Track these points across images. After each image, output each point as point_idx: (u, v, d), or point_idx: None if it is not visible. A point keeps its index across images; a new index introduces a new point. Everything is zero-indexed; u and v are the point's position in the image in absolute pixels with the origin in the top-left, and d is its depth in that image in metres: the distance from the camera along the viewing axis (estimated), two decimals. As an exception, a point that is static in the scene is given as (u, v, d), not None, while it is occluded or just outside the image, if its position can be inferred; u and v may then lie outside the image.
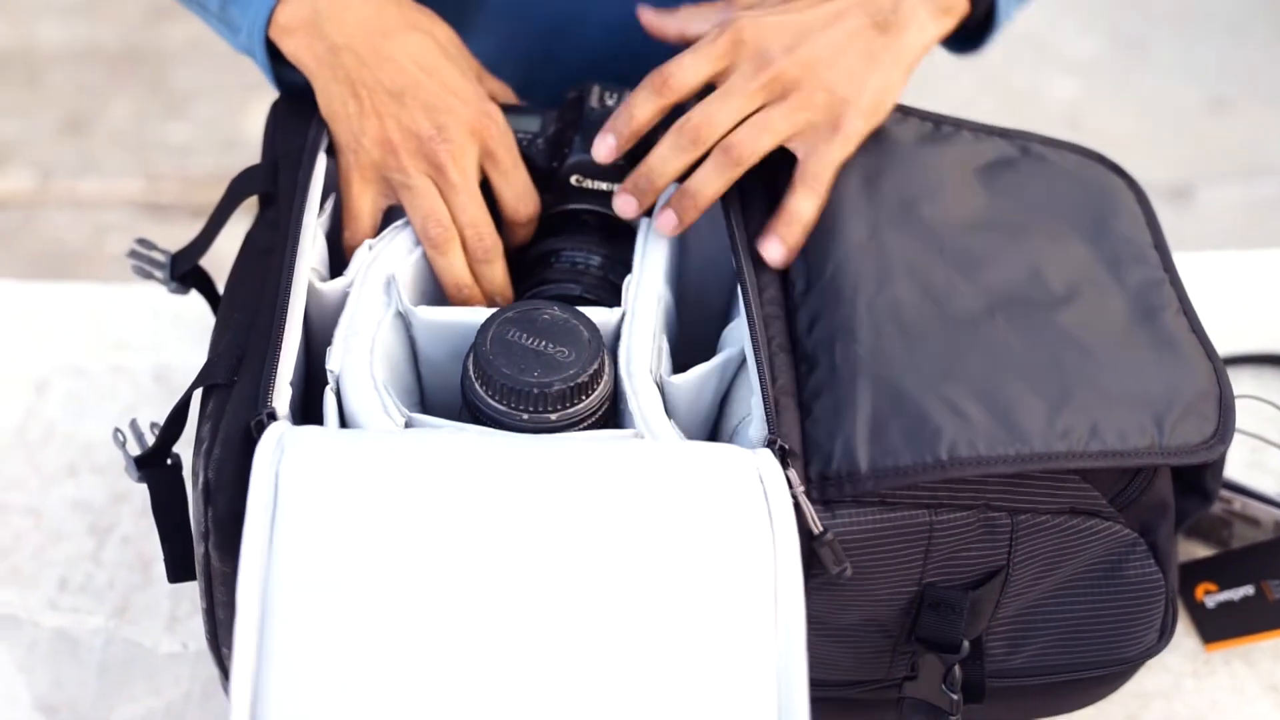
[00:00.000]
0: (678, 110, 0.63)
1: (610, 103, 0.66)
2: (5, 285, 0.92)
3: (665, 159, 0.62)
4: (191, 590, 0.75)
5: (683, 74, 0.62)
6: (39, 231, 1.96)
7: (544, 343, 0.54)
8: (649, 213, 0.64)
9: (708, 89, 0.63)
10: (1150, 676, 0.68)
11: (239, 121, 2.06)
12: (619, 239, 0.65)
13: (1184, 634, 0.69)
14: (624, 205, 0.63)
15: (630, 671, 0.45)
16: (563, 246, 0.64)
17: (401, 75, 0.62)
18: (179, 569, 0.56)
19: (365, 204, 0.63)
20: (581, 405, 0.53)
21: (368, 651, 0.44)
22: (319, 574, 0.45)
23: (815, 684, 0.50)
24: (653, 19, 0.68)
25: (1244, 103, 2.13)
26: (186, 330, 0.89)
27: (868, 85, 0.62)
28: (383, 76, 0.62)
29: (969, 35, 0.69)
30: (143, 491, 0.80)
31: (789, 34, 0.62)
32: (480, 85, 0.66)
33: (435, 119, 0.62)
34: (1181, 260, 0.65)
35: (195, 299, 0.90)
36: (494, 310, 0.55)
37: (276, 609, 0.44)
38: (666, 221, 0.62)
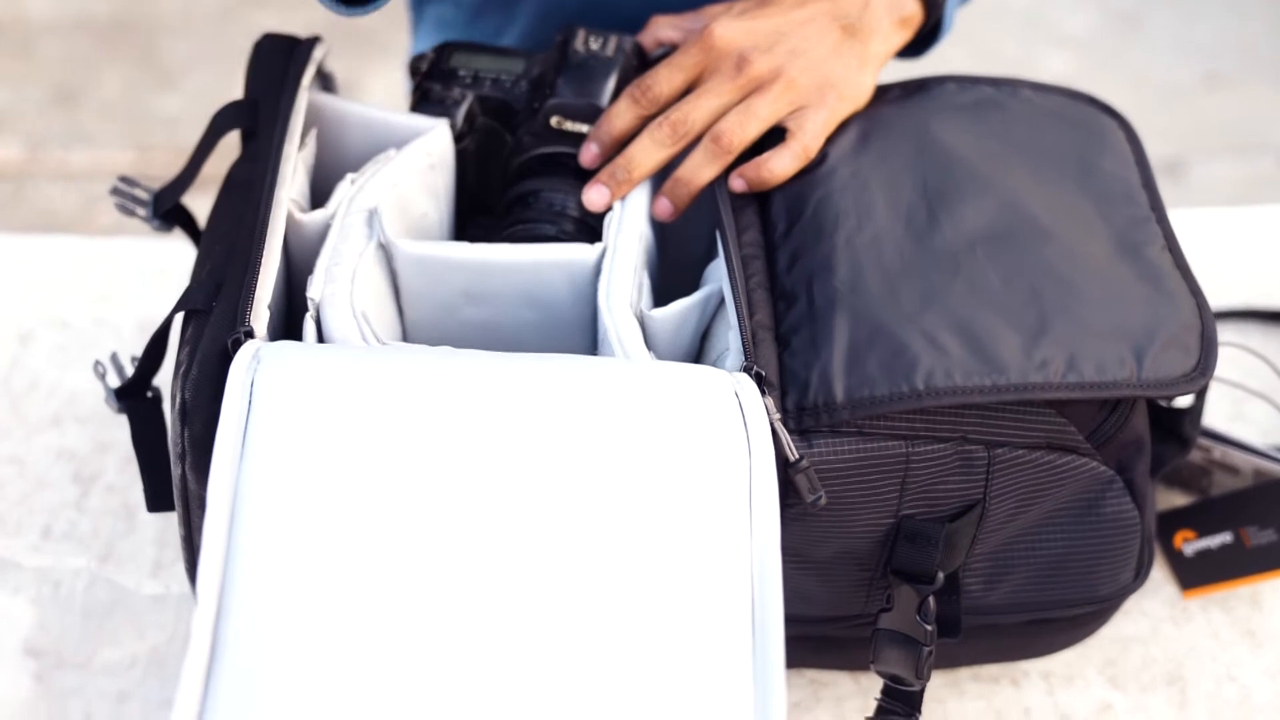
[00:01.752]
0: None
1: (595, 47, 0.66)
2: (-13, 238, 0.92)
3: (643, 150, 0.63)
4: (175, 537, 0.75)
5: (660, 83, 0.64)
6: (29, 202, 1.96)
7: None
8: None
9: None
10: (1129, 622, 0.68)
11: (229, 92, 2.05)
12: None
13: (1163, 581, 0.70)
14: (596, 196, 0.63)
15: (605, 583, 0.46)
16: (540, 187, 0.64)
17: None
18: (158, 499, 0.56)
19: None
20: None
21: (334, 560, 0.44)
22: (289, 480, 0.45)
23: (792, 619, 0.51)
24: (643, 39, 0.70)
25: (1238, 78, 2.13)
26: (170, 283, 0.89)
27: (844, 77, 0.65)
28: None
29: (918, 42, 0.72)
30: (126, 441, 0.80)
31: (762, 36, 0.65)
32: None
33: None
34: (1170, 217, 0.65)
35: (179, 252, 0.91)
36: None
37: (245, 513, 0.44)
38: (663, 208, 0.64)
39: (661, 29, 0.69)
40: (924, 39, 0.72)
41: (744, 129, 0.63)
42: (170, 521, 0.75)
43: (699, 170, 0.63)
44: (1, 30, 2.22)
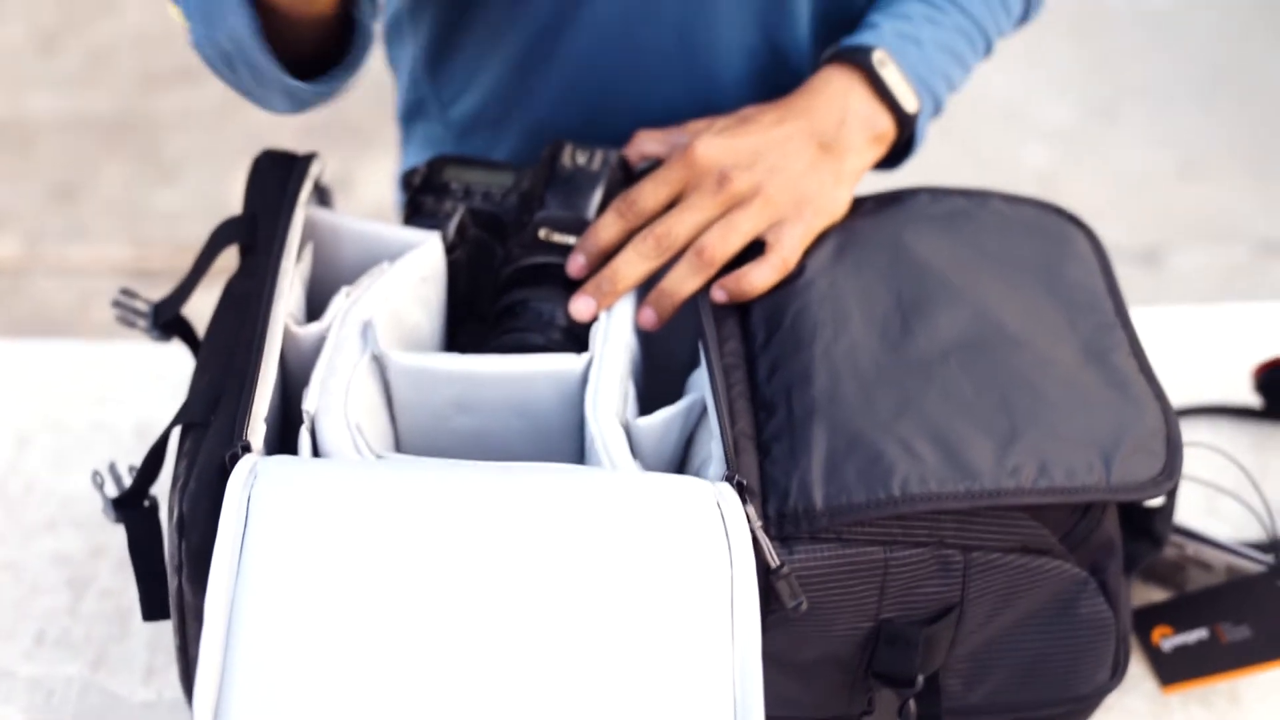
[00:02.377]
0: None
1: (581, 161, 0.68)
2: (-14, 342, 0.94)
3: (628, 263, 0.66)
4: (168, 642, 0.75)
5: (645, 198, 0.67)
6: (26, 297, 1.99)
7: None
8: None
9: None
10: (1111, 718, 0.69)
11: (227, 188, 2.09)
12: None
13: (1142, 677, 0.71)
14: (583, 306, 0.66)
15: (590, 690, 0.47)
16: (529, 297, 0.66)
17: None
18: (154, 608, 0.57)
19: None
20: None
21: (328, 674, 0.45)
22: (285, 594, 0.46)
23: (774, 722, 0.52)
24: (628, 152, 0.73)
25: (1212, 169, 2.18)
26: (167, 387, 0.90)
27: (820, 193, 0.68)
28: None
29: (893, 156, 0.75)
30: (121, 545, 0.81)
31: (742, 154, 0.67)
32: None
33: None
34: (1142, 315, 0.67)
35: (176, 357, 0.93)
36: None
37: (242, 626, 0.45)
38: (647, 318, 0.66)
39: (646, 143, 0.72)
40: (899, 152, 0.75)
41: (725, 242, 0.66)
42: (163, 626, 0.76)
43: (682, 282, 0.66)
44: (4, 129, 2.26)
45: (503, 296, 0.68)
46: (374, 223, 0.68)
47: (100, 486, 0.57)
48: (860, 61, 0.71)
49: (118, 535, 0.81)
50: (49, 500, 0.83)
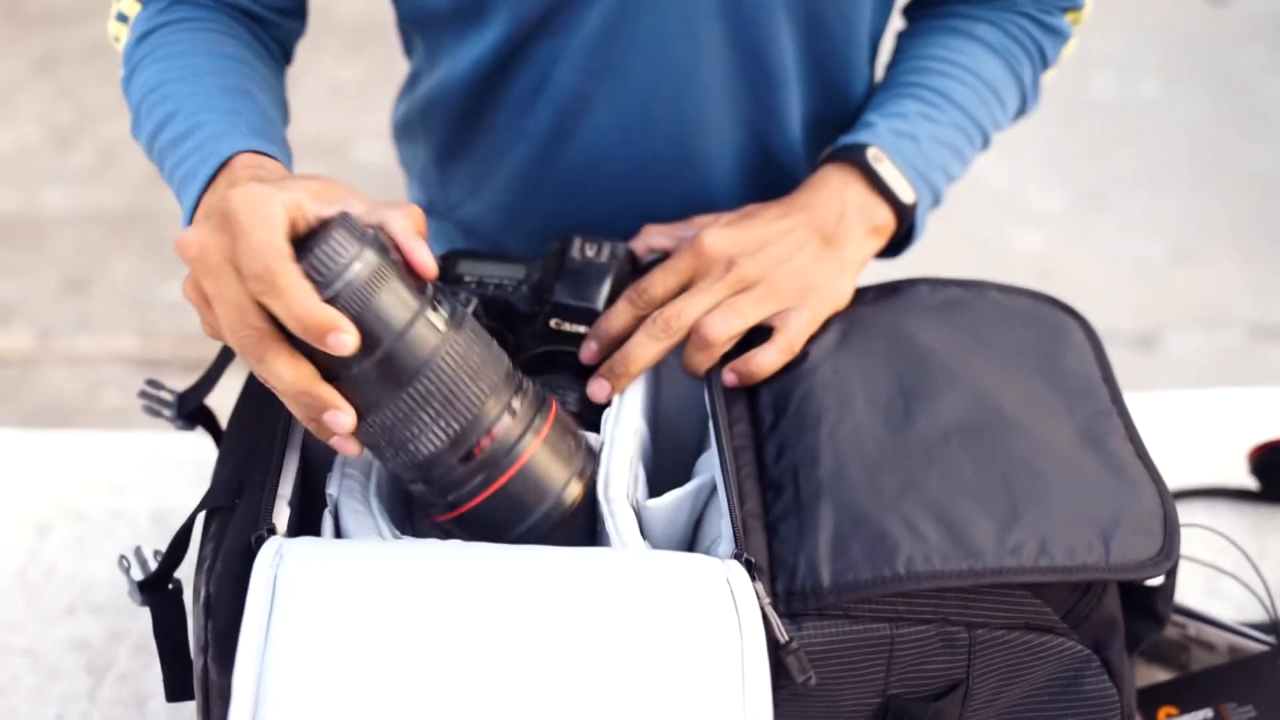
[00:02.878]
0: None
1: (590, 254, 0.71)
2: (7, 434, 0.95)
3: (639, 346, 0.68)
4: (184, 724, 0.76)
5: (655, 286, 0.70)
6: (37, 387, 2.01)
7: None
8: None
9: None
10: (1116, 797, 0.70)
11: (235, 280, 2.12)
12: (591, 374, 0.69)
13: (1148, 755, 0.71)
14: (598, 389, 0.68)
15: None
16: (541, 382, 0.68)
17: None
18: (177, 689, 0.58)
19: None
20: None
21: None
22: (312, 671, 0.48)
23: (786, 798, 0.53)
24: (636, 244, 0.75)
25: (1204, 254, 2.21)
26: (185, 474, 0.92)
27: (824, 282, 0.71)
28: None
29: (894, 246, 0.78)
30: (139, 630, 0.82)
31: (749, 243, 0.70)
32: None
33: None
34: (1139, 399, 0.69)
35: (191, 444, 0.94)
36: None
37: (269, 703, 0.47)
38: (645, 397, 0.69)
39: (653, 237, 0.75)
40: (900, 242, 0.78)
41: (726, 324, 0.68)
42: (179, 711, 0.77)
43: (689, 362, 0.68)
44: (16, 224, 2.31)
45: None
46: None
47: (126, 570, 0.58)
48: (856, 159, 0.74)
49: (136, 620, 0.83)
50: (68, 587, 0.85)
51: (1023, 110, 0.84)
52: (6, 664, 0.80)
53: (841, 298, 0.71)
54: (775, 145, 0.82)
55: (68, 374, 2.04)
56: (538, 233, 0.83)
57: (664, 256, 0.73)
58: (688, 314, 0.68)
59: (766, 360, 0.67)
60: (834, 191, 0.73)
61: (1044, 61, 0.83)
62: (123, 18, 0.75)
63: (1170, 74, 2.59)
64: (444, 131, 0.85)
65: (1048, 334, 0.71)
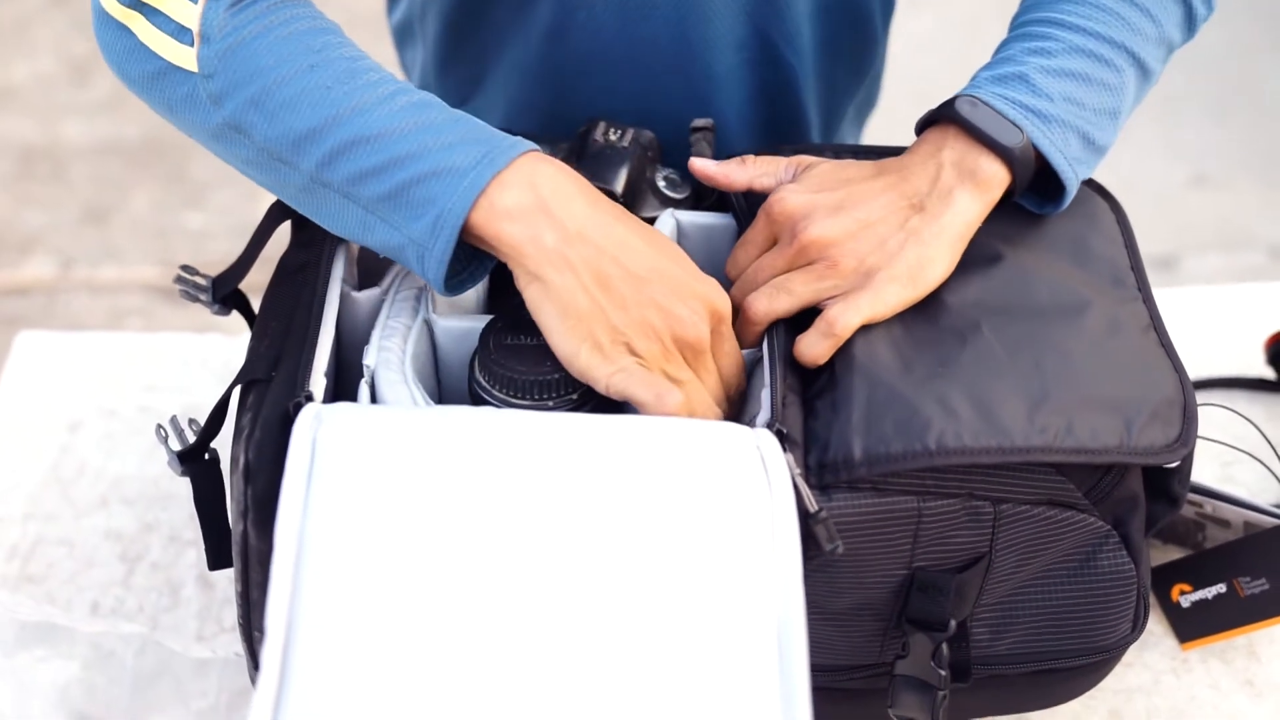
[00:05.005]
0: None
1: (613, 137, 0.71)
2: (38, 335, 0.97)
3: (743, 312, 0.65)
4: (217, 611, 0.78)
5: (739, 261, 0.67)
6: (59, 316, 2.02)
7: (540, 337, 0.59)
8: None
9: None
10: (1132, 674, 0.71)
11: (253, 207, 2.13)
12: None
13: (1163, 634, 0.73)
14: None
15: (638, 629, 0.49)
16: None
17: (644, 260, 0.60)
18: (218, 557, 0.60)
19: (647, 391, 0.58)
20: None
21: (390, 602, 0.48)
22: (351, 528, 0.49)
23: (812, 669, 0.53)
24: (710, 170, 0.70)
25: (1224, 179, 2.20)
26: (212, 375, 0.93)
27: (901, 257, 0.64)
28: (628, 263, 0.60)
29: (1041, 197, 0.70)
30: (171, 521, 0.84)
31: (822, 210, 0.65)
32: None
33: (687, 304, 0.60)
34: (1161, 295, 0.69)
35: (220, 346, 0.96)
36: (487, 322, 0.60)
37: (310, 557, 0.48)
38: None
39: (739, 171, 0.70)
40: (1048, 191, 0.70)
41: (773, 304, 0.64)
42: (211, 598, 0.79)
43: (738, 333, 0.65)
44: (37, 155, 2.31)
45: None
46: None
47: (164, 440, 0.59)
48: (947, 114, 0.67)
49: (167, 512, 0.84)
50: (100, 480, 0.86)
51: (1192, 14, 0.73)
52: (44, 552, 0.82)
53: (924, 274, 0.64)
54: (777, 37, 0.80)
55: (90, 303, 2.05)
56: (540, 129, 0.83)
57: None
58: (756, 279, 0.65)
59: (808, 349, 0.62)
60: (929, 152, 0.67)
61: None
62: None
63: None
64: (441, 31, 0.84)
65: (1079, 217, 0.71)
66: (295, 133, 0.60)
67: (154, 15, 0.63)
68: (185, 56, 0.62)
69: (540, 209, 0.59)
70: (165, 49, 0.63)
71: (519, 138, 0.62)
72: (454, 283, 0.62)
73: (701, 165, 0.71)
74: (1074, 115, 0.68)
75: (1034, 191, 0.70)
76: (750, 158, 0.70)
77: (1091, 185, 0.74)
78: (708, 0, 0.77)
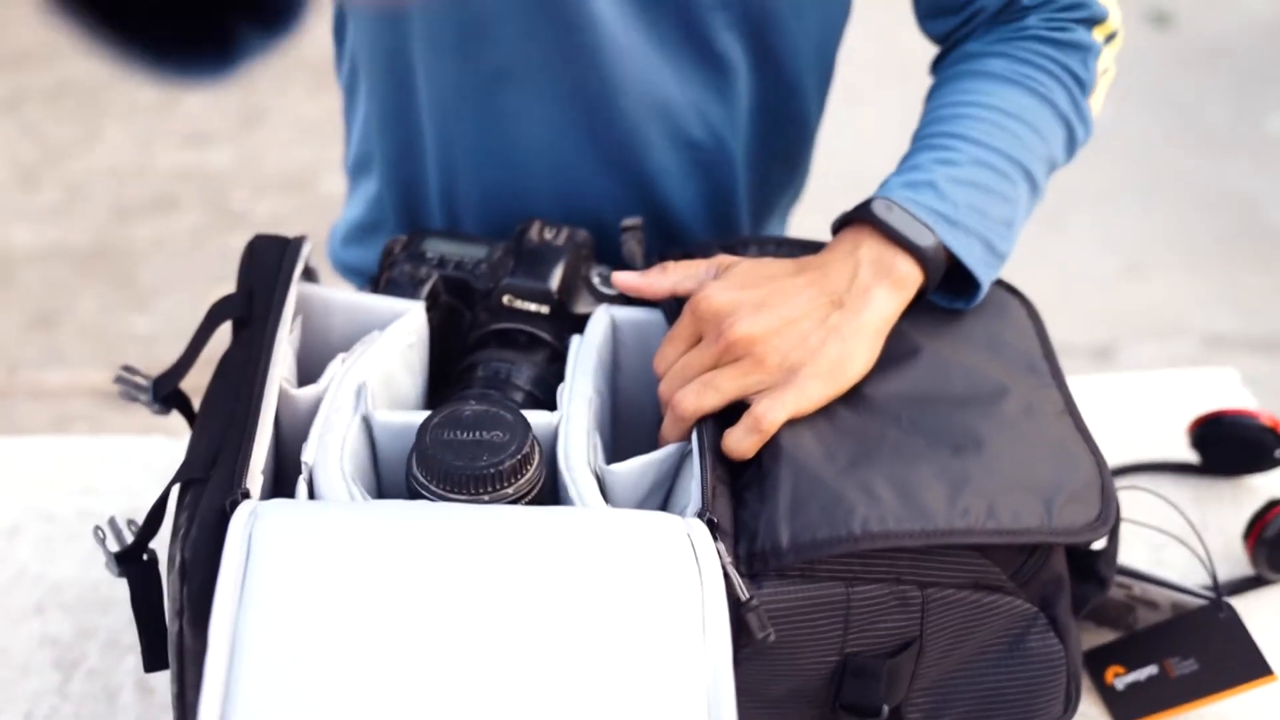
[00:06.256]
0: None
1: (548, 236, 0.74)
2: (-22, 441, 0.96)
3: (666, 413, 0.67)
4: (155, 716, 0.77)
5: (665, 358, 0.69)
6: (5, 421, 2.01)
7: (477, 433, 0.60)
8: (580, 331, 0.72)
9: None
10: (1070, 757, 0.72)
11: (200, 309, 2.13)
12: (543, 354, 0.72)
13: (1097, 716, 0.74)
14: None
15: (571, 717, 0.50)
16: (490, 358, 0.71)
17: None
18: (154, 658, 0.60)
19: None
20: (529, 475, 0.59)
21: (323, 697, 0.48)
22: (286, 623, 0.49)
23: (749, 757, 0.54)
24: (632, 281, 0.72)
25: (1155, 268, 2.26)
26: (155, 476, 0.93)
27: (824, 353, 0.66)
28: None
29: (953, 294, 0.73)
30: (109, 626, 0.83)
31: (746, 307, 0.66)
32: None
33: None
34: (1089, 381, 0.71)
35: (162, 448, 0.96)
36: (425, 418, 0.62)
37: (244, 653, 0.48)
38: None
39: (662, 280, 0.71)
40: (961, 287, 0.73)
41: (700, 400, 0.65)
42: (150, 703, 0.78)
43: (665, 435, 0.67)
44: (-16, 261, 2.31)
45: (468, 357, 0.72)
46: (362, 295, 0.72)
47: (103, 541, 0.60)
48: (863, 215, 0.70)
49: (106, 617, 0.84)
50: (38, 586, 0.85)
51: (1073, 137, 0.78)
52: (-24, 663, 0.80)
53: (845, 370, 0.66)
54: (717, 135, 0.83)
55: (35, 408, 2.04)
56: (476, 215, 0.84)
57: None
58: (672, 385, 0.67)
59: (735, 444, 0.64)
60: (847, 250, 0.69)
61: (1078, 82, 0.77)
62: None
63: (1118, 96, 2.65)
64: (376, 109, 0.85)
65: (992, 312, 0.74)
66: None
67: None
68: None
69: None
70: None
71: None
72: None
73: (623, 279, 0.72)
74: (978, 222, 0.72)
75: (945, 289, 0.73)
76: (670, 264, 0.72)
77: (1000, 283, 0.76)
78: (665, 101, 0.79)
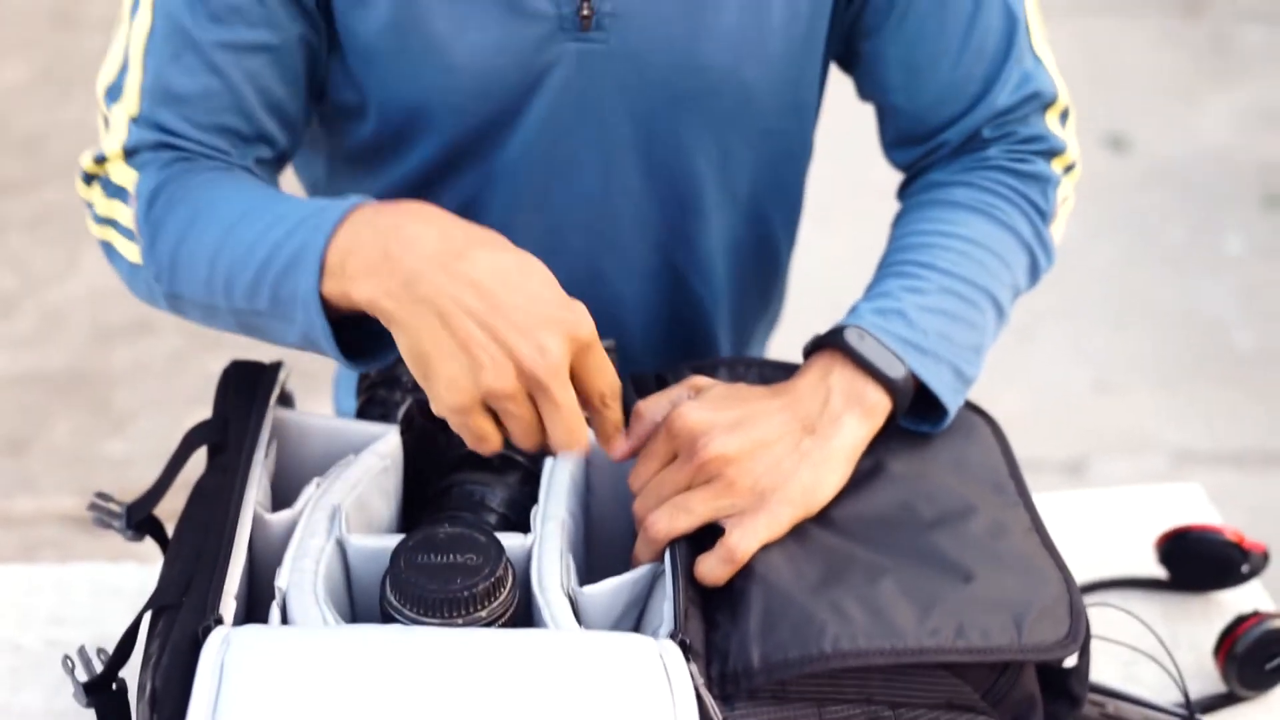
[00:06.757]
0: None
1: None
2: (-57, 570, 0.95)
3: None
4: None
5: (640, 477, 0.69)
6: (-29, 549, 1.98)
7: (451, 556, 0.60)
8: (553, 455, 0.72)
9: None
10: None
11: (176, 434, 2.12)
12: (516, 476, 0.73)
13: (1076, 837, 0.73)
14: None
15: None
16: (465, 480, 0.72)
17: (486, 297, 0.60)
18: (122, 792, 0.59)
19: (488, 428, 0.61)
20: (503, 598, 0.60)
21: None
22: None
23: None
24: (628, 447, 0.70)
25: (1125, 385, 2.29)
26: (125, 603, 0.92)
27: (796, 478, 0.67)
28: (468, 300, 0.60)
29: (920, 418, 0.74)
30: (76, 754, 0.81)
31: (720, 427, 0.67)
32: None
33: (532, 340, 0.60)
34: (1065, 497, 0.71)
35: (131, 575, 0.95)
36: (399, 541, 0.62)
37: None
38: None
39: (638, 425, 0.71)
40: (926, 413, 0.73)
41: (672, 522, 0.66)
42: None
43: (639, 555, 0.68)
44: (-45, 387, 2.30)
45: (443, 479, 0.73)
46: (338, 420, 0.73)
47: (71, 671, 0.59)
48: (836, 342, 0.71)
49: (73, 748, 0.82)
50: (4, 717, 0.84)
51: (1035, 264, 0.80)
52: (-60, 797, 0.78)
53: (818, 493, 0.68)
54: (688, 269, 0.85)
55: (4, 536, 2.01)
56: None
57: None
58: (646, 506, 0.68)
59: (709, 572, 0.65)
60: (819, 376, 0.71)
61: (1039, 212, 0.79)
62: (89, 178, 0.74)
63: (1083, 219, 2.72)
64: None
65: (958, 431, 0.76)
66: (199, 281, 0.67)
67: (115, 225, 0.72)
68: (135, 253, 0.71)
69: (382, 259, 0.61)
70: (129, 252, 0.71)
71: (353, 197, 0.65)
72: (362, 360, 0.66)
73: (620, 451, 0.70)
74: (946, 349, 0.73)
75: (914, 413, 0.74)
76: (641, 404, 0.72)
77: (967, 404, 0.78)
78: (619, 234, 0.82)
